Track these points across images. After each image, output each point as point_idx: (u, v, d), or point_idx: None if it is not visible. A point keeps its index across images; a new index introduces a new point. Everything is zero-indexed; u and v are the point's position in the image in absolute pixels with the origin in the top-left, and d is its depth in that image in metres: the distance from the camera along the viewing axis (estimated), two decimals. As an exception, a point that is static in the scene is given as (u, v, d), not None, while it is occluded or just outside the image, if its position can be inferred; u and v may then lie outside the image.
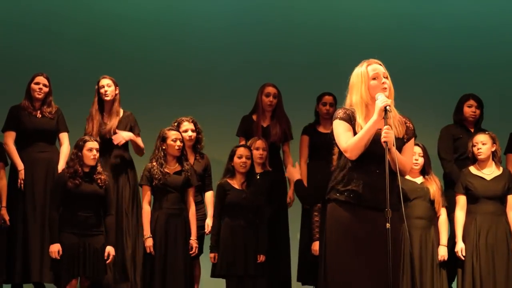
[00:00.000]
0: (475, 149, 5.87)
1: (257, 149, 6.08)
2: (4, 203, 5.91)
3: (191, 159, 6.07)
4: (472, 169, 5.89)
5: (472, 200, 5.84)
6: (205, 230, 6.03)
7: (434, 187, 5.78)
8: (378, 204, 4.00)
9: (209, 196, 6.11)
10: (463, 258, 5.75)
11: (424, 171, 5.84)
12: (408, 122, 4.22)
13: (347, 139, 4.06)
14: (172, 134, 5.81)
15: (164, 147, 5.80)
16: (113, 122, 6.18)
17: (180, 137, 5.84)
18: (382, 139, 3.96)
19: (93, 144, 5.65)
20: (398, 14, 7.91)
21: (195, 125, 6.14)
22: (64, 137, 6.20)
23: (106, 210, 5.71)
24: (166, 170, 5.77)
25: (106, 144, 6.12)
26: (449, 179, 6.21)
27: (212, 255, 5.72)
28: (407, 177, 5.59)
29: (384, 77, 4.10)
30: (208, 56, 7.76)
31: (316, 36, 7.79)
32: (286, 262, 6.25)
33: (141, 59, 7.71)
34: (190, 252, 5.77)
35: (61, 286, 5.56)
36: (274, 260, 6.01)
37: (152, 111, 7.19)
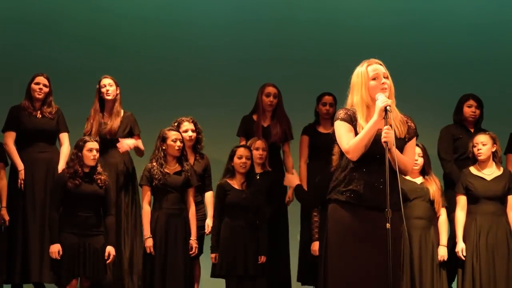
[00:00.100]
0: (475, 149, 5.87)
1: (257, 149, 6.09)
2: (4, 203, 5.92)
3: (191, 159, 6.07)
4: (473, 170, 5.89)
5: (472, 200, 5.84)
6: (205, 230, 6.03)
7: (434, 187, 5.78)
8: (379, 204, 3.99)
9: (209, 196, 6.10)
10: (463, 258, 5.74)
11: (424, 171, 5.83)
12: (410, 121, 4.21)
13: (348, 140, 4.06)
14: (172, 134, 5.81)
15: (164, 147, 5.80)
16: (114, 122, 6.18)
17: (180, 137, 5.84)
18: (383, 139, 3.96)
19: (93, 145, 5.65)
20: (398, 12, 7.90)
21: (195, 125, 6.14)
22: (64, 137, 6.20)
23: (106, 210, 5.71)
24: (166, 170, 5.77)
25: (106, 144, 6.12)
26: (449, 179, 6.21)
27: (213, 255, 5.72)
28: (407, 177, 5.59)
29: (384, 77, 4.10)
30: (208, 55, 7.75)
31: (317, 35, 7.78)
32: (286, 262, 6.25)
33: (141, 59, 7.70)
34: (190, 252, 5.78)
35: (61, 286, 5.56)
36: (274, 260, 6.01)
37: (152, 111, 7.19)
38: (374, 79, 4.09)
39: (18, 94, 6.27)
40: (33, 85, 6.13)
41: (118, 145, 6.10)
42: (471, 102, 6.34)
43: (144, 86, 7.59)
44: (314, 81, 7.32)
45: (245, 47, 7.79)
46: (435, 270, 5.71)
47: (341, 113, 4.14)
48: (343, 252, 4.08)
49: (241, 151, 5.83)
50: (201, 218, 6.04)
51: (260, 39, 7.79)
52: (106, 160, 6.09)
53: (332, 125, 6.31)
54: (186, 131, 6.06)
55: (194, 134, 6.11)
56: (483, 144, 5.84)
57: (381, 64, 4.13)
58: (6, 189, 5.96)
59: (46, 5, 7.71)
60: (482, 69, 7.75)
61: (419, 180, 5.83)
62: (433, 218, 5.80)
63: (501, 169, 5.91)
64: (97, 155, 5.68)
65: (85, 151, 5.63)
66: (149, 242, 5.69)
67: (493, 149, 5.86)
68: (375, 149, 4.01)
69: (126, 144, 6.12)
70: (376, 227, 3.99)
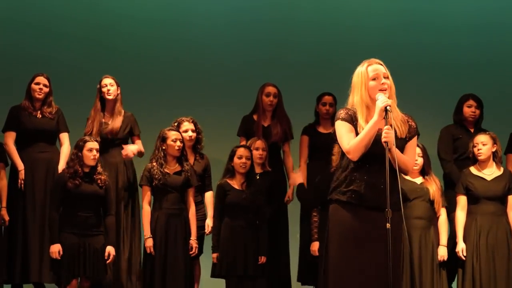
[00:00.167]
0: (475, 149, 5.86)
1: (257, 149, 6.09)
2: (4, 204, 5.91)
3: (191, 159, 6.07)
4: (473, 170, 5.89)
5: (472, 200, 5.84)
6: (205, 230, 6.03)
7: (433, 187, 5.78)
8: (380, 204, 3.99)
9: (209, 197, 6.10)
10: (464, 259, 5.74)
11: (423, 171, 5.83)
12: (411, 121, 4.20)
13: (349, 140, 4.06)
14: (172, 134, 5.81)
15: (164, 147, 5.80)
16: (116, 122, 6.18)
17: (180, 137, 5.84)
18: (383, 139, 3.96)
19: (93, 144, 5.65)
20: (398, 13, 7.90)
21: (195, 125, 6.14)
22: (64, 137, 6.20)
23: (106, 210, 5.71)
24: (166, 170, 5.77)
25: (106, 144, 6.12)
26: (449, 179, 6.21)
27: (214, 255, 5.72)
28: (407, 177, 5.59)
29: (384, 77, 4.09)
30: (208, 55, 7.75)
31: (317, 35, 7.78)
32: (286, 262, 6.25)
33: (140, 59, 7.70)
34: (190, 252, 5.78)
35: (62, 286, 5.56)
36: (274, 260, 6.01)
37: (152, 111, 7.19)
38: (374, 79, 4.08)
39: (18, 94, 6.27)
40: (33, 85, 6.13)
41: (122, 152, 6.09)
42: (471, 102, 6.34)
43: (144, 86, 7.59)
44: (314, 81, 7.32)
45: (245, 47, 7.79)
46: (435, 270, 5.71)
47: (342, 113, 4.14)
48: (344, 252, 4.07)
49: (241, 151, 5.83)
50: (201, 218, 6.04)
51: (260, 39, 7.79)
52: (106, 160, 6.08)
53: (332, 125, 6.33)
54: (186, 131, 6.06)
55: (194, 134, 6.11)
56: (483, 144, 5.83)
57: (381, 64, 4.12)
58: (6, 189, 5.96)
59: (46, 5, 7.71)
60: (482, 70, 7.75)
61: (419, 180, 5.83)
62: (433, 218, 5.80)
63: (501, 169, 5.90)
64: (97, 155, 5.68)
65: (85, 151, 5.63)
66: (149, 242, 5.69)
67: (493, 149, 5.86)
68: (375, 149, 4.00)
69: (131, 151, 6.11)
70: (377, 227, 3.98)
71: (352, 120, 4.10)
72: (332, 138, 4.34)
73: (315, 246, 5.78)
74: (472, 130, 6.28)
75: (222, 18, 7.85)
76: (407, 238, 5.51)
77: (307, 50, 7.78)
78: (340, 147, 4.19)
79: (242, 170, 5.79)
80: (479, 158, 5.85)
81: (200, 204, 6.08)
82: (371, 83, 4.08)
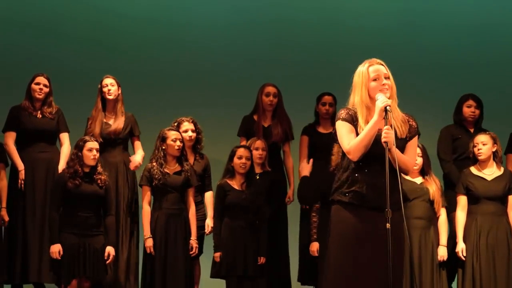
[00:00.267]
0: (475, 149, 5.86)
1: (257, 149, 6.09)
2: (4, 204, 5.91)
3: (191, 159, 6.07)
4: (473, 170, 5.89)
5: (473, 200, 5.84)
6: (205, 230, 6.03)
7: (433, 187, 5.78)
8: (382, 204, 3.98)
9: (208, 197, 6.10)
10: (463, 259, 5.74)
11: (423, 171, 5.83)
12: (411, 120, 4.20)
13: (349, 141, 4.06)
14: (172, 134, 5.81)
15: (164, 147, 5.80)
16: (119, 122, 6.18)
17: (180, 137, 5.84)
18: (382, 140, 3.95)
19: (93, 144, 5.65)
20: (398, 13, 7.90)
21: (195, 125, 6.14)
22: (64, 137, 6.20)
23: (106, 210, 5.71)
24: (166, 170, 5.77)
25: (106, 144, 6.12)
26: (449, 180, 6.21)
27: (217, 254, 5.71)
28: (407, 177, 5.58)
29: (385, 78, 4.09)
30: (208, 55, 7.75)
31: (317, 35, 7.78)
32: (286, 262, 6.25)
33: (141, 59, 7.70)
34: (190, 252, 5.77)
35: (61, 286, 5.56)
36: (274, 260, 6.01)
37: (152, 111, 7.19)
38: (375, 80, 4.08)
39: (18, 94, 6.27)
40: (33, 85, 6.13)
41: (130, 165, 6.08)
42: (470, 102, 6.34)
43: (144, 86, 7.59)
44: (314, 81, 7.32)
45: (245, 48, 7.79)
46: (435, 270, 5.71)
47: (342, 113, 4.13)
48: (346, 253, 4.07)
49: (241, 151, 5.84)
50: (201, 218, 6.04)
51: (260, 39, 7.79)
52: (106, 160, 6.08)
53: (332, 125, 6.36)
54: (186, 131, 6.06)
55: (194, 134, 6.11)
56: (483, 144, 5.83)
57: (382, 65, 4.11)
58: (6, 189, 5.96)
59: (46, 5, 7.70)
60: (482, 70, 7.75)
61: (418, 180, 5.83)
62: (433, 218, 5.80)
63: (502, 169, 5.90)
64: (97, 154, 5.68)
65: (85, 151, 5.62)
66: (149, 242, 5.69)
67: (494, 149, 5.86)
68: (376, 149, 4.00)
69: (137, 161, 6.10)
70: (379, 227, 3.98)
71: (353, 120, 4.10)
72: (332, 138, 4.33)
73: (314, 246, 5.78)
74: (472, 130, 6.28)
75: (222, 18, 7.85)
76: (408, 237, 5.51)
77: (307, 50, 7.77)
78: (339, 147, 4.19)
79: (242, 170, 5.79)
80: (479, 158, 5.85)
81: (200, 204, 6.08)
82: (372, 84, 4.08)
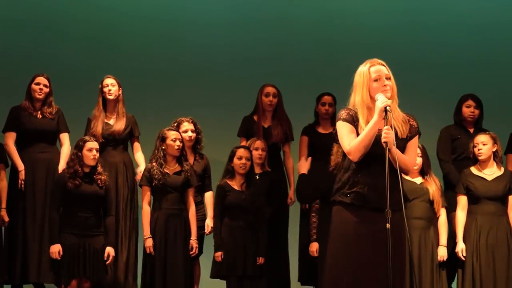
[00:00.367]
0: (475, 149, 5.86)
1: (256, 149, 6.08)
2: (4, 205, 5.91)
3: (191, 159, 6.07)
4: (473, 170, 5.88)
5: (473, 200, 5.84)
6: (205, 231, 6.03)
7: (433, 187, 5.78)
8: (383, 205, 3.97)
9: (208, 197, 6.10)
10: (463, 259, 5.74)
11: (423, 172, 5.83)
12: (412, 120, 4.20)
13: (350, 141, 4.05)
14: (172, 134, 5.80)
15: (163, 147, 5.80)
16: (120, 123, 6.18)
17: (180, 137, 5.84)
18: (382, 140, 3.95)
19: (93, 144, 5.65)
20: (398, 12, 7.89)
21: (194, 125, 6.14)
22: (64, 137, 6.20)
23: (106, 210, 5.71)
24: (165, 170, 5.77)
25: (107, 144, 6.12)
26: (448, 180, 6.21)
27: (218, 253, 5.70)
28: (407, 177, 5.58)
29: (386, 79, 4.08)
30: (208, 55, 7.75)
31: (317, 34, 7.78)
32: (286, 262, 6.25)
33: (141, 58, 7.70)
34: (190, 253, 5.77)
35: (61, 286, 5.56)
36: (274, 260, 6.01)
37: (152, 111, 7.19)
38: (376, 80, 4.07)
39: (18, 94, 6.27)
40: (33, 86, 6.13)
41: (137, 178, 6.08)
42: (470, 102, 6.34)
43: (144, 85, 7.59)
44: (314, 81, 7.32)
45: (245, 47, 7.79)
46: (435, 270, 5.71)
47: (343, 113, 4.13)
48: (348, 254, 4.07)
49: (241, 152, 5.83)
50: (201, 218, 6.04)
51: (260, 38, 7.79)
52: (106, 160, 6.08)
53: (332, 125, 6.36)
54: (185, 131, 6.06)
55: (193, 134, 6.11)
56: (483, 144, 5.83)
57: (384, 65, 4.10)
58: (6, 190, 5.96)
59: (46, 4, 7.70)
60: (482, 69, 7.75)
61: (418, 180, 5.83)
62: (433, 218, 5.80)
63: (502, 169, 5.90)
64: (97, 155, 5.67)
65: (85, 151, 5.62)
66: (149, 242, 5.69)
67: (494, 149, 5.86)
68: (376, 149, 3.99)
69: (141, 171, 6.08)
70: (381, 228, 3.97)
71: (353, 120, 4.09)
72: (332, 138, 4.33)
73: (313, 247, 5.78)
74: (471, 130, 6.28)
75: (222, 17, 7.85)
76: (408, 238, 5.51)
77: (307, 50, 7.77)
78: (339, 147, 4.19)
79: (241, 171, 5.79)
80: (480, 158, 5.85)
81: (200, 204, 6.08)
82: (373, 84, 4.07)
